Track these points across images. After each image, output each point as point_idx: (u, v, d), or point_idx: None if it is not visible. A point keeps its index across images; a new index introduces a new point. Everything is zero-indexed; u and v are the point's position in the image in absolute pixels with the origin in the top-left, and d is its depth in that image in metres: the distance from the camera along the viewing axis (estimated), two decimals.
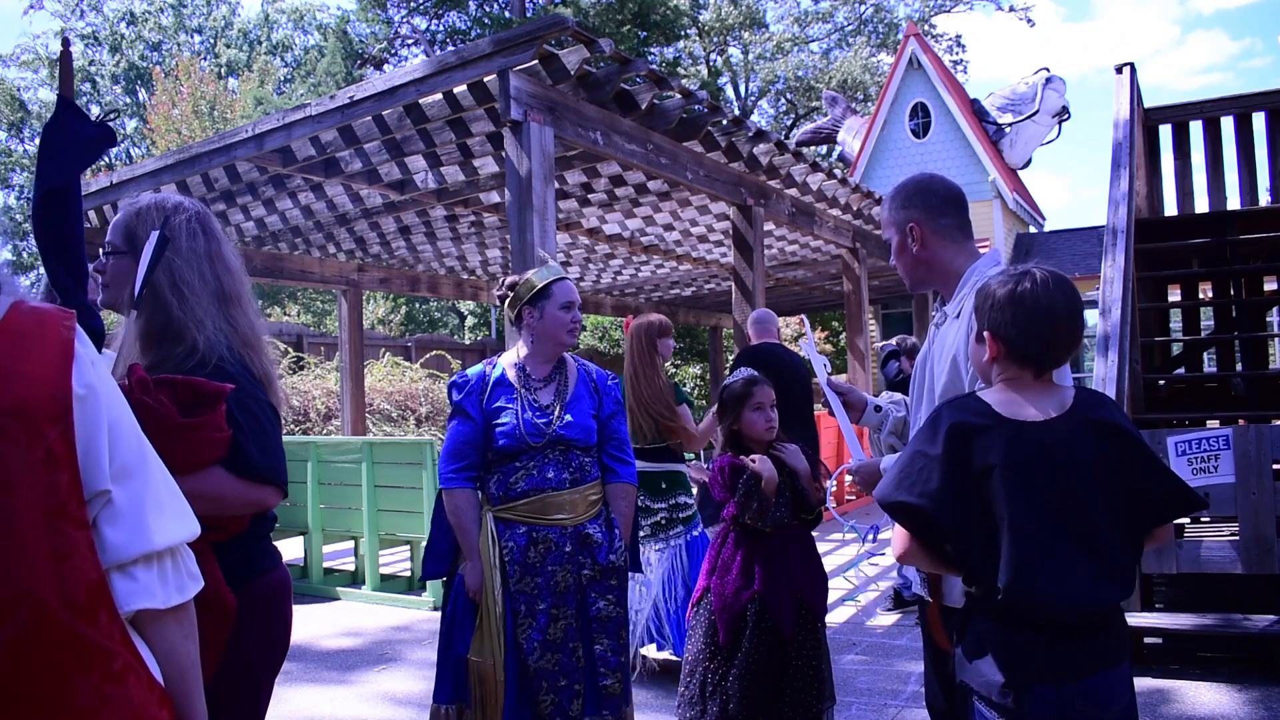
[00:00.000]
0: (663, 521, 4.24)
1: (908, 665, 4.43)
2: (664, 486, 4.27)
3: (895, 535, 1.78)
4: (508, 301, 2.85)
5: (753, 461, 2.88)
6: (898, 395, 2.62)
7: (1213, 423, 5.82)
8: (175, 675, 1.20)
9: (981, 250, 2.16)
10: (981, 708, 1.68)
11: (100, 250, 1.86)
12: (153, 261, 1.73)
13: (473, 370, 2.83)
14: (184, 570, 1.22)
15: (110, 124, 1.68)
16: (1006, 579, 1.61)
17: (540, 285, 2.77)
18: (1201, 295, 6.95)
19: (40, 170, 1.63)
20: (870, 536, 3.31)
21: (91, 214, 8.17)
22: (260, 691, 1.83)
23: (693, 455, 4.80)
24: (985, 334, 1.77)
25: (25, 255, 29.22)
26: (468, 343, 22.37)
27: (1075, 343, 1.75)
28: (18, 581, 1.04)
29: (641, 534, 4.16)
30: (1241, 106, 6.33)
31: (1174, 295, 6.90)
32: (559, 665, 2.60)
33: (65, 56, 1.66)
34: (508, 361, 2.85)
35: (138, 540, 1.14)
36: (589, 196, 8.20)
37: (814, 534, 3.06)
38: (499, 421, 2.69)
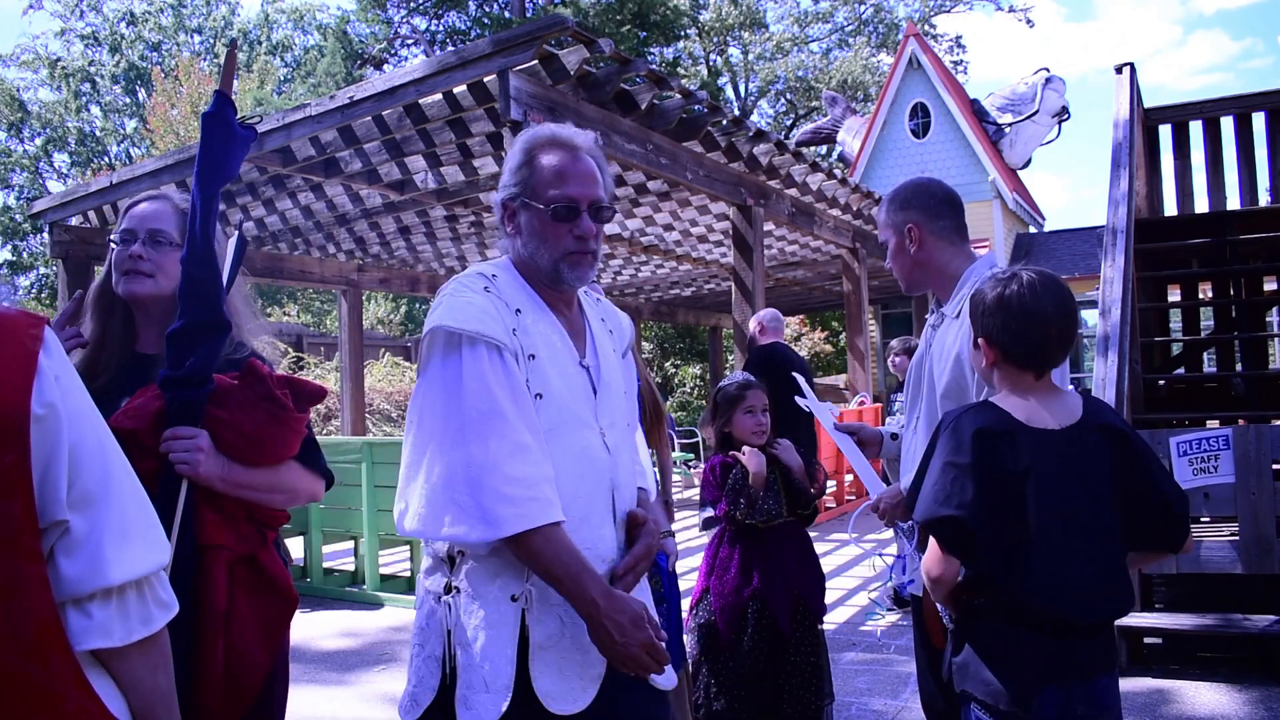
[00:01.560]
0: None
1: (908, 665, 4.42)
2: None
3: (931, 558, 1.71)
4: None
5: (741, 455, 2.92)
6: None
7: (1213, 423, 5.81)
8: (142, 708, 1.12)
9: (978, 252, 2.17)
10: (981, 715, 1.67)
11: (131, 238, 1.78)
12: (235, 264, 1.77)
13: None
14: (150, 601, 1.11)
15: (255, 126, 1.75)
16: (1033, 581, 1.61)
17: None
18: (1201, 295, 6.94)
19: (211, 162, 1.63)
20: (904, 573, 3.22)
21: (91, 214, 8.17)
22: (285, 688, 1.85)
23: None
24: (980, 340, 1.77)
25: (25, 256, 29.21)
26: None
27: (1067, 343, 1.74)
28: None
29: None
30: (1241, 106, 6.32)
31: (1174, 295, 6.89)
32: None
33: (231, 57, 1.74)
34: None
35: (94, 575, 1.04)
36: None
37: (814, 534, 3.07)
38: None
